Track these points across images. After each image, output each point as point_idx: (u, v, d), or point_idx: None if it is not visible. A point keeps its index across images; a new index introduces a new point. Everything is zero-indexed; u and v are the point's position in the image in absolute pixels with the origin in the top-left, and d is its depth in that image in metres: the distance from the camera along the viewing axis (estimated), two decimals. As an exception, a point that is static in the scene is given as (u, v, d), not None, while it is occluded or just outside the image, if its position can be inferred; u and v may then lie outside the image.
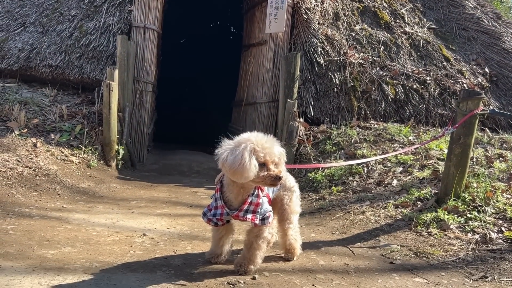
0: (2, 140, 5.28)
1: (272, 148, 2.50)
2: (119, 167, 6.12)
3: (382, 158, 5.56)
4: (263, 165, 2.46)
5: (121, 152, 6.10)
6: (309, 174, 5.69)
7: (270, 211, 2.73)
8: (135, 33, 7.12)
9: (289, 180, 3.11)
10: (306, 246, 3.31)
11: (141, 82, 7.17)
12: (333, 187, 5.27)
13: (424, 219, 3.99)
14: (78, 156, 5.68)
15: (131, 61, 6.89)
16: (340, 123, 6.85)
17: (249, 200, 2.63)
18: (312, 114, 6.83)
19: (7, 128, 5.55)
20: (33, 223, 3.51)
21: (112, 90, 5.89)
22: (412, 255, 3.38)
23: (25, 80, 7.04)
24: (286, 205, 3.03)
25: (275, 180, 2.47)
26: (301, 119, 6.42)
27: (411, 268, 3.11)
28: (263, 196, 2.73)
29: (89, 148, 5.83)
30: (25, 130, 5.64)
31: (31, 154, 5.19)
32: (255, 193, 2.66)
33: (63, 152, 5.60)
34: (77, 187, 5.00)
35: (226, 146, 2.54)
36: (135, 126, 7.15)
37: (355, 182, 5.30)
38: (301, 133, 6.38)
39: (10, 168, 4.68)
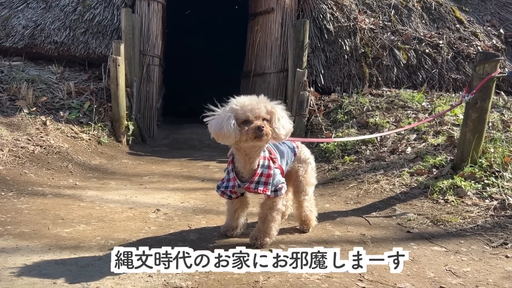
0: (11, 119, 5.26)
1: (254, 105, 2.38)
2: (130, 142, 6.10)
3: (397, 129, 5.46)
4: (246, 122, 2.36)
5: (131, 127, 6.06)
6: (321, 145, 5.61)
7: (283, 182, 2.68)
8: (139, 5, 6.97)
9: (304, 152, 3.05)
10: (321, 217, 3.27)
11: (147, 56, 7.07)
12: (346, 157, 5.20)
13: (440, 187, 3.93)
14: (88, 133, 5.65)
15: (137, 34, 6.77)
16: (352, 91, 6.72)
17: (259, 171, 2.57)
18: (323, 83, 6.70)
19: (15, 107, 5.52)
20: (46, 202, 3.51)
21: (118, 65, 5.80)
22: (429, 224, 3.33)
23: (31, 58, 6.97)
24: (301, 177, 2.98)
25: (257, 132, 2.32)
26: (311, 89, 6.30)
27: (428, 236, 3.07)
28: (275, 168, 2.67)
29: (99, 124, 5.80)
30: (34, 109, 5.61)
31: (41, 132, 5.17)
32: (266, 164, 2.60)
33: (73, 130, 5.57)
34: (89, 164, 4.99)
35: (213, 113, 2.48)
36: (143, 101, 7.09)
37: (368, 151, 5.22)
38: (311, 103, 6.27)
39: (21, 147, 4.67)
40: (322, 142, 5.69)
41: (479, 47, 7.36)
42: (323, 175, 4.95)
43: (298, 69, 6.34)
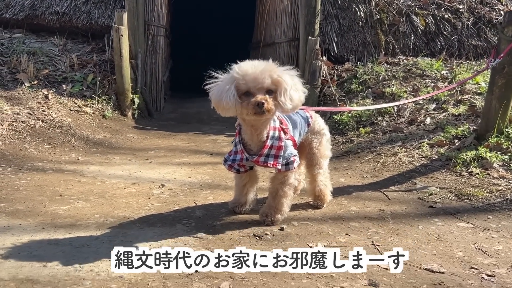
0: (12, 92, 5.07)
1: (257, 75, 2.08)
2: (136, 116, 5.89)
3: (415, 98, 5.17)
4: (248, 94, 2.10)
5: (136, 100, 5.84)
6: (335, 116, 5.35)
7: (295, 155, 2.44)
8: (142, -28, 6.65)
9: (318, 123, 2.81)
10: (336, 191, 3.05)
11: (152, 26, 6.79)
12: (361, 129, 4.93)
13: (464, 158, 3.67)
14: (92, 107, 5.45)
15: (141, 3, 6.47)
16: (366, 60, 6.39)
17: (268, 143, 2.33)
18: (336, 52, 6.38)
19: (16, 80, 5.32)
20: (45, 178, 3.33)
21: (122, 35, 5.54)
22: (453, 198, 3.09)
23: (33, 29, 6.73)
24: (315, 149, 2.74)
25: (256, 108, 2.06)
26: (324, 58, 5.99)
27: (453, 211, 2.83)
28: (287, 139, 2.43)
29: (103, 98, 5.59)
30: (35, 82, 5.40)
31: (42, 106, 4.98)
32: (276, 135, 2.35)
33: (76, 103, 5.37)
34: (93, 139, 4.81)
35: (215, 80, 2.22)
36: (149, 73, 6.85)
37: (384, 122, 4.95)
38: (324, 72, 5.97)
39: (22, 122, 4.49)
40: (336, 114, 5.42)
41: (502, 11, 6.94)
42: (337, 148, 4.71)
43: (310, 37, 6.02)
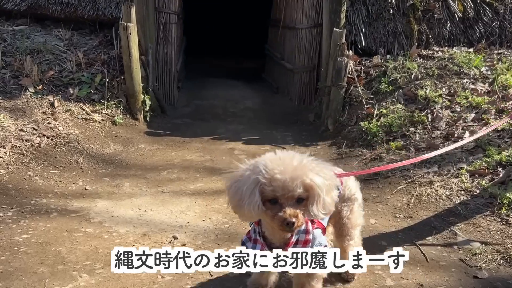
0: (16, 102, 4.75)
1: (287, 181, 1.73)
2: (148, 119, 5.55)
3: (472, 138, 4.68)
4: (274, 202, 1.77)
5: (148, 102, 5.48)
6: (362, 124, 4.91)
7: (326, 245, 2.11)
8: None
9: (349, 187, 2.42)
10: (366, 241, 2.70)
11: (163, 13, 6.29)
12: (391, 143, 4.51)
13: (510, 199, 3.26)
14: (101, 113, 5.11)
15: (150, -9, 5.95)
16: (397, 52, 5.84)
17: (293, 239, 2.00)
18: (364, 44, 5.83)
19: (20, 86, 4.98)
20: (49, 226, 3.07)
21: (130, 34, 5.10)
22: (501, 262, 2.73)
23: (37, 19, 6.30)
24: (345, 218, 2.39)
25: (285, 226, 1.76)
26: (350, 52, 5.46)
27: (502, 286, 2.48)
28: (315, 229, 2.09)
29: (112, 102, 5.24)
30: (40, 87, 5.06)
31: (48, 117, 4.66)
32: (303, 228, 2.01)
33: (84, 110, 5.04)
34: (102, 155, 4.51)
35: (235, 172, 1.87)
36: (161, 64, 6.42)
37: (417, 134, 4.51)
38: (350, 69, 5.46)
39: (26, 141, 4.20)
40: (363, 120, 4.98)
41: (550, -8, 6.21)
42: (365, 166, 4.32)
43: (335, 29, 5.47)
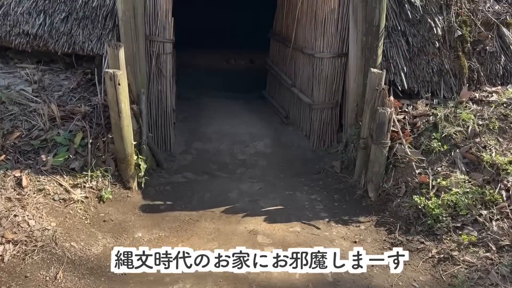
0: (-32, 185, 3.60)
1: None
2: (143, 185, 4.44)
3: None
4: None
5: (143, 166, 4.37)
6: (416, 198, 3.93)
7: None
8: (140, -30, 4.87)
9: None
10: None
11: (156, 42, 5.12)
12: (460, 233, 3.55)
13: None
14: (84, 187, 4.00)
15: (140, 17, 4.77)
16: (444, 94, 4.85)
17: None
18: (405, 85, 4.80)
19: (-25, 160, 3.81)
20: None
21: (119, 84, 3.95)
22: None
23: (-2, 51, 5.08)
24: None
25: None
26: (391, 98, 4.42)
27: None
28: None
29: (98, 172, 4.11)
30: (3, 157, 3.90)
31: (14, 205, 3.54)
32: None
33: (61, 185, 3.91)
34: (88, 259, 3.40)
35: None
36: (154, 104, 5.29)
37: (494, 223, 3.55)
38: (393, 120, 4.43)
39: (-17, 254, 3.08)
40: (416, 192, 4.00)
41: None
42: (433, 268, 3.35)
43: (372, 69, 4.42)
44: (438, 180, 4.00)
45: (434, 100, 4.77)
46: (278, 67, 7.31)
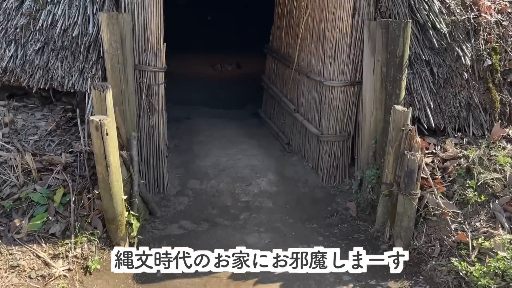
0: None
1: None
2: (135, 246, 3.81)
3: None
4: None
5: (135, 225, 3.74)
6: (454, 261, 3.41)
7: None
8: (128, -9, 4.22)
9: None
10: None
11: (146, 72, 4.49)
12: (515, 311, 3.05)
13: None
14: (67, 257, 3.36)
15: (128, 46, 4.14)
16: (473, 131, 4.34)
17: None
18: (431, 122, 4.28)
19: None
20: None
21: (107, 134, 3.32)
22: None
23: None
24: None
25: None
26: (418, 139, 3.87)
27: None
28: None
29: (83, 236, 3.48)
30: (-34, 225, 3.24)
31: (-19, 293, 2.88)
32: None
33: (40, 257, 3.27)
34: None
35: None
36: (145, 141, 4.67)
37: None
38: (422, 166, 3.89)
39: None
40: (456, 255, 3.48)
41: None
42: None
43: (397, 107, 3.88)
44: (479, 240, 3.48)
45: (464, 139, 4.26)
46: (277, 87, 6.73)
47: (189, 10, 12.20)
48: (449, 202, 3.79)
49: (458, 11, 4.33)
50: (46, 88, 4.12)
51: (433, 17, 4.23)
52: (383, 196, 4.12)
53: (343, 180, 5.12)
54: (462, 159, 4.05)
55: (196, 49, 12.12)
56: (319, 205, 4.85)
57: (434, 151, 4.19)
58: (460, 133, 4.38)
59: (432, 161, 4.08)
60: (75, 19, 4.02)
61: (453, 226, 3.66)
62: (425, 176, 3.88)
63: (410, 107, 3.96)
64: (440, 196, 3.82)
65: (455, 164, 4.02)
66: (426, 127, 4.27)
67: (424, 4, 4.25)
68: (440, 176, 3.96)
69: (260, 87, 7.65)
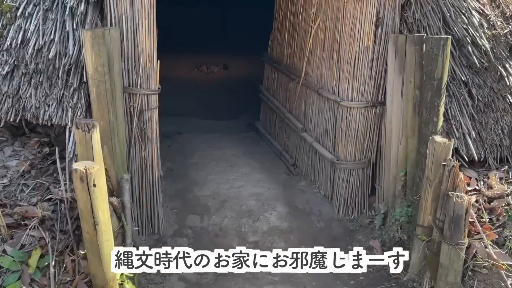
0: None
1: None
2: (130, 312, 3.15)
3: None
4: None
5: (130, 289, 3.08)
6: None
7: None
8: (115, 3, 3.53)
9: None
10: None
11: (138, 95, 3.81)
12: None
13: None
14: None
15: (117, 67, 3.47)
16: (517, 162, 3.81)
17: None
18: (474, 155, 3.71)
19: None
20: None
21: (94, 186, 2.65)
22: None
23: None
24: None
25: None
26: (462, 177, 3.29)
27: None
28: None
29: (66, 309, 2.81)
30: None
31: None
32: None
33: None
34: None
35: None
36: (137, 175, 4.00)
37: None
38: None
39: None
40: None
41: None
42: None
43: (436, 138, 3.30)
44: (545, 302, 2.93)
45: (510, 173, 3.71)
46: (279, 101, 6.11)
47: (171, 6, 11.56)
48: (501, 252, 3.23)
49: (498, 23, 3.77)
50: (17, 121, 3.40)
51: (472, 31, 3.65)
52: (419, 240, 3.54)
53: (361, 211, 4.55)
54: (511, 197, 3.50)
55: (179, 49, 11.50)
56: (338, 243, 4.24)
57: (478, 187, 3.63)
58: (500, 162, 3.82)
59: (477, 201, 3.52)
60: (51, 37, 3.31)
61: (509, 282, 3.11)
62: (472, 220, 3.31)
63: (452, 138, 3.37)
64: (490, 244, 3.25)
65: (503, 204, 3.46)
66: (466, 159, 3.69)
67: (462, 16, 3.67)
68: (487, 219, 3.39)
69: (251, 90, 7.23)
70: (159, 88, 3.96)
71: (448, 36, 3.39)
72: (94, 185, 2.67)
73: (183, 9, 12.81)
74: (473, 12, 3.70)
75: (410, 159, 3.81)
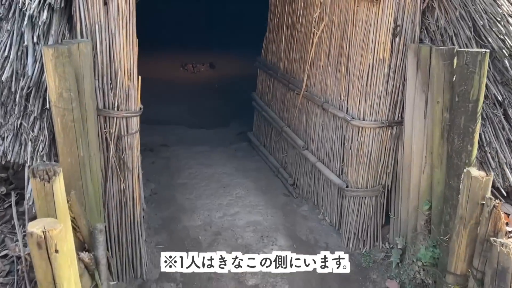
0: None
1: None
2: None
3: None
4: None
5: None
6: None
7: None
8: (84, 5, 2.90)
9: None
10: None
11: (115, 118, 3.19)
12: None
13: None
14: None
15: (88, 87, 2.84)
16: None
17: None
18: (510, 181, 3.19)
19: None
20: None
21: (56, 252, 2.04)
22: None
23: None
24: None
25: None
26: (503, 218, 2.77)
27: None
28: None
29: None
30: None
31: None
32: None
33: None
34: None
35: None
36: (114, 211, 3.38)
37: None
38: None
39: None
40: None
41: None
42: None
43: (472, 172, 2.76)
44: None
45: (552, 208, 3.20)
46: (275, 112, 5.54)
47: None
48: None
49: (536, 32, 3.23)
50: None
51: (510, 43, 3.11)
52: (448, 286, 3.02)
53: (374, 244, 4.01)
54: (556, 238, 2.99)
55: (164, 47, 10.92)
56: (349, 284, 3.70)
57: (517, 227, 3.11)
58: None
59: (520, 244, 2.99)
60: (6, 53, 2.67)
61: None
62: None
63: (489, 170, 2.84)
64: (541, 301, 2.73)
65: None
66: (503, 192, 3.17)
67: (497, 24, 3.13)
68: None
69: (240, 90, 6.79)
70: (140, 108, 3.34)
71: (486, 50, 2.85)
72: (56, 251, 2.06)
73: (167, 2, 12.15)
74: (510, 20, 3.16)
75: (436, 192, 3.27)
